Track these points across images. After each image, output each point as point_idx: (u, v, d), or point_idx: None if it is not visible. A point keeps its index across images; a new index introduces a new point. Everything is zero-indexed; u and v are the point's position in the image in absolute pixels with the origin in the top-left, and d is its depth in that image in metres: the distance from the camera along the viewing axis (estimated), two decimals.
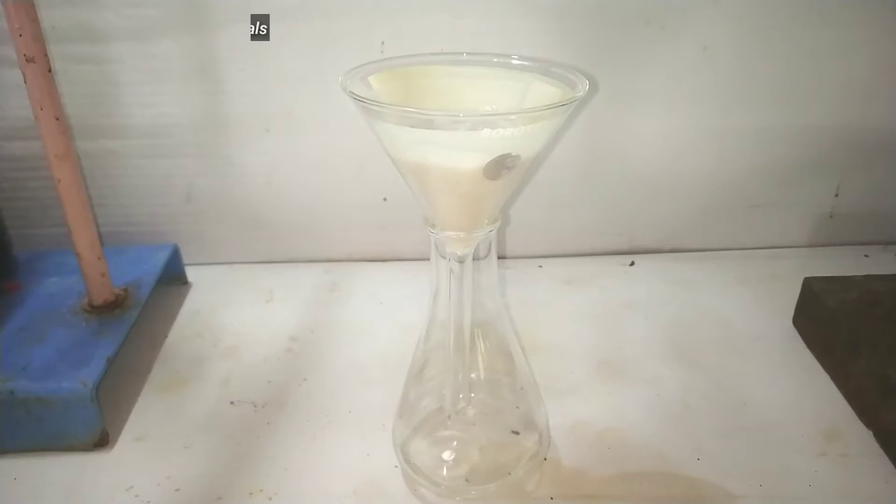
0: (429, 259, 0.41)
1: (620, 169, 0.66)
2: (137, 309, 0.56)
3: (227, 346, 0.59)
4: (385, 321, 0.61)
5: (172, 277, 0.66)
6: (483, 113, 0.32)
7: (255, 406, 0.52)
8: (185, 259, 0.67)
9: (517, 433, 0.47)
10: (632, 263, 0.69)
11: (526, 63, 0.40)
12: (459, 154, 0.33)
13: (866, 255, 0.69)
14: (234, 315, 0.62)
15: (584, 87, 0.35)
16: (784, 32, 0.60)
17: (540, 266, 0.69)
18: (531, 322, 0.61)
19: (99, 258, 0.54)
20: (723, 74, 0.61)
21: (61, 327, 0.54)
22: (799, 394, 0.52)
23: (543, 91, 0.37)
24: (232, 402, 0.53)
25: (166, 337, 0.60)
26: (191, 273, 0.68)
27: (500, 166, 0.34)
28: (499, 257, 0.42)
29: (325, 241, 0.70)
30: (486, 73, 0.41)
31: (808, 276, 0.60)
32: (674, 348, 0.57)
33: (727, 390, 0.53)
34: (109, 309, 0.56)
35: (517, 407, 0.47)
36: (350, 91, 0.34)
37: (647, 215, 0.69)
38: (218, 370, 0.56)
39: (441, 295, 0.42)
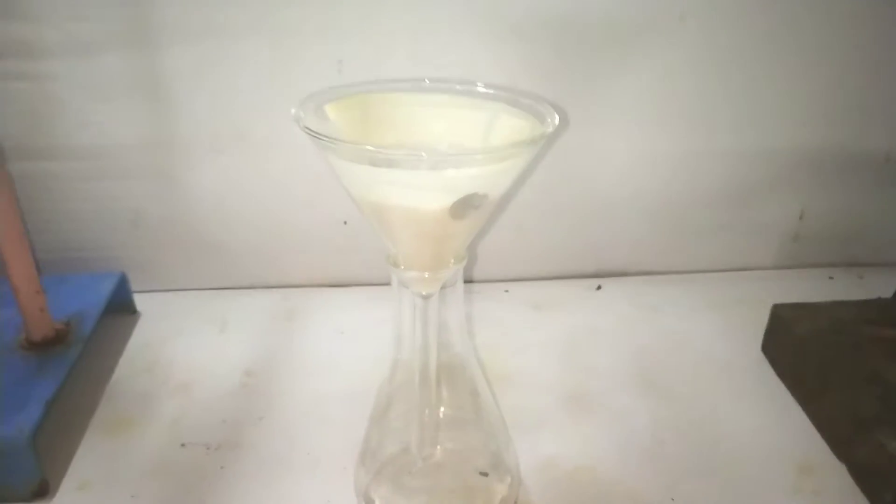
0: (390, 284, 0.38)
1: (587, 191, 0.65)
2: (80, 345, 0.53)
3: (177, 382, 0.55)
4: (345, 352, 0.59)
5: (120, 307, 0.62)
6: (447, 152, 0.30)
7: (208, 448, 0.49)
8: (134, 286, 0.64)
9: (486, 475, 0.45)
10: (599, 287, 0.67)
11: (491, 91, 0.38)
12: (423, 194, 0.31)
13: (831, 277, 0.69)
14: (185, 347, 0.59)
15: (553, 121, 0.33)
16: (745, 54, 0.59)
17: (506, 291, 0.67)
18: (498, 350, 0.59)
19: (37, 292, 0.51)
20: (686, 97, 0.60)
21: None
22: (771, 426, 0.51)
23: (511, 124, 0.35)
24: (183, 444, 0.50)
25: (112, 373, 0.56)
26: (139, 301, 0.64)
27: (466, 206, 0.32)
28: (465, 281, 0.40)
29: (282, 266, 0.67)
30: (450, 101, 0.38)
31: (774, 298, 0.59)
32: (643, 378, 0.56)
33: (699, 424, 0.51)
34: (49, 345, 0.52)
35: (486, 448, 0.45)
36: (304, 126, 0.31)
37: (614, 238, 0.67)
38: (168, 409, 0.53)
39: (405, 332, 0.40)
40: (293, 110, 0.34)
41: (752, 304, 0.64)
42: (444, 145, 0.38)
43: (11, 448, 0.44)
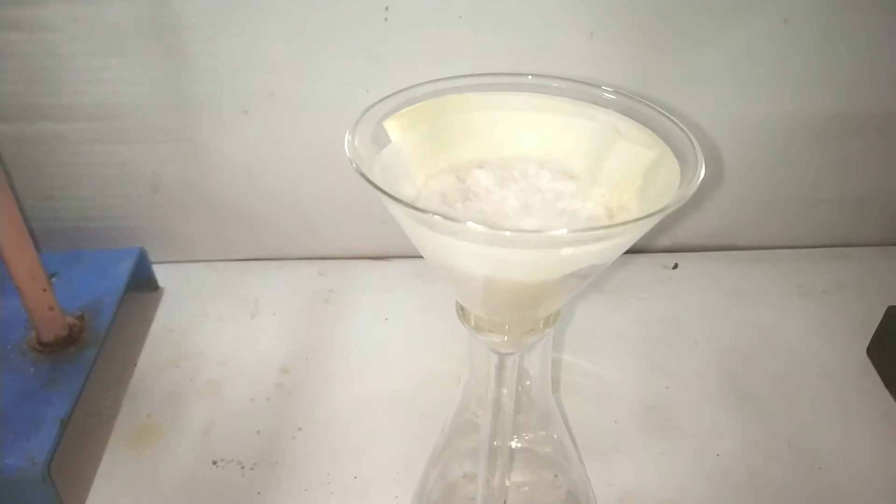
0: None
1: None
2: (97, 344, 0.47)
3: (206, 381, 0.50)
4: (392, 343, 0.52)
5: (141, 284, 0.56)
6: (565, 233, 0.22)
7: (243, 467, 0.44)
8: (156, 257, 0.57)
9: None
10: (675, 266, 0.59)
11: (605, 94, 0.29)
12: (523, 269, 0.23)
13: None
14: (213, 335, 0.53)
15: (698, 166, 0.24)
16: (881, 4, 0.49)
17: None
18: (559, 346, 0.52)
19: (45, 290, 0.45)
20: (803, 52, 0.50)
21: (4, 373, 0.45)
22: (883, 454, 0.45)
23: (633, 155, 0.27)
24: (215, 462, 0.44)
25: (135, 366, 0.51)
26: (161, 273, 0.57)
27: (574, 276, 0.24)
28: None
29: (318, 236, 0.60)
30: (547, 105, 0.30)
31: (879, 282, 0.52)
32: (732, 387, 0.49)
33: (798, 448, 0.45)
34: (62, 346, 0.46)
35: (557, 485, 0.39)
36: (359, 169, 0.24)
37: (694, 210, 0.59)
38: (197, 414, 0.47)
39: (476, 379, 0.33)
40: (347, 136, 0.26)
41: (854, 290, 0.56)
42: (536, 165, 0.29)
43: (25, 481, 0.39)
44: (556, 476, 0.40)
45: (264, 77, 0.51)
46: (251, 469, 0.44)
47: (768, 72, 0.51)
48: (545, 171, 0.29)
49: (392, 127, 0.28)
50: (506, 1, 0.48)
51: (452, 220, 0.21)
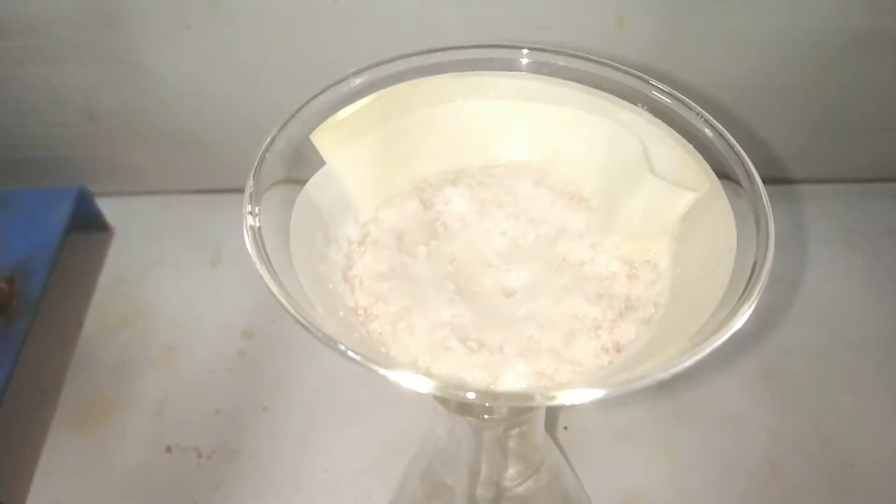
0: None
1: (703, 78, 0.46)
2: (29, 313, 0.41)
3: (161, 346, 0.44)
4: None
5: (86, 224, 0.49)
6: (545, 395, 0.14)
7: (200, 456, 0.39)
8: (102, 188, 0.50)
9: None
10: None
11: (632, 82, 0.21)
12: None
13: None
14: (169, 287, 0.47)
15: (764, 247, 0.17)
16: None
17: None
18: None
19: None
20: None
21: None
22: None
23: (666, 197, 0.19)
24: (168, 448, 0.39)
25: (81, 327, 0.45)
26: (110, 209, 0.50)
27: None
28: None
29: None
30: (547, 93, 0.22)
31: None
32: (755, 360, 0.43)
33: (828, 442, 0.39)
34: None
35: None
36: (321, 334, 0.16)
37: (736, 134, 0.50)
38: (150, 388, 0.42)
39: (448, 450, 0.27)
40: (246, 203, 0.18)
41: None
42: (531, 181, 0.22)
43: None
44: None
45: None
46: (209, 458, 0.39)
47: None
48: (543, 190, 0.21)
49: (324, 142, 0.20)
50: None
51: (385, 366, 0.14)
